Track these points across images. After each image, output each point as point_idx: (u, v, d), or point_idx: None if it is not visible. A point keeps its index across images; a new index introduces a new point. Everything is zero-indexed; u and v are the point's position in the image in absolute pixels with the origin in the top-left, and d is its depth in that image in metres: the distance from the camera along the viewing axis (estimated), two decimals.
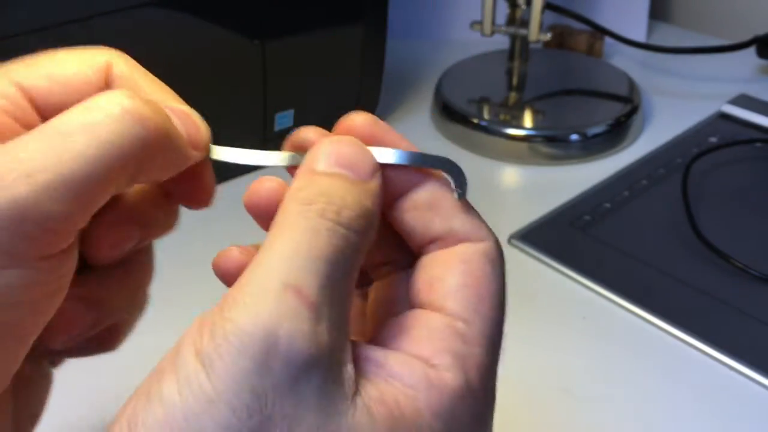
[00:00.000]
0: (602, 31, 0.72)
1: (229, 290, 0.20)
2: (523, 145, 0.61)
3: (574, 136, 0.61)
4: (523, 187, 0.60)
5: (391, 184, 0.23)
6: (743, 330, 0.44)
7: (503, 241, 0.52)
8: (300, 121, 0.59)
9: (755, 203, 0.55)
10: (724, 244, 0.49)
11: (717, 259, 0.48)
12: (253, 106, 0.56)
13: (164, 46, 0.50)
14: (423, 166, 0.24)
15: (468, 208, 0.24)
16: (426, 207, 0.23)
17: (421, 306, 0.23)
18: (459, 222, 0.23)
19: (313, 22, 0.56)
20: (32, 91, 0.25)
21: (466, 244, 0.23)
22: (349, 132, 0.24)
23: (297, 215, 0.21)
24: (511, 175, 0.61)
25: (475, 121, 0.62)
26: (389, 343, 0.22)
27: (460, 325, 0.22)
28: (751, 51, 0.71)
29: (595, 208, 0.54)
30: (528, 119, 0.63)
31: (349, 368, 0.20)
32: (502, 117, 0.63)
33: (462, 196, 0.24)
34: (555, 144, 0.61)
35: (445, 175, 0.24)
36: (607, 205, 0.55)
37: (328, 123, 0.65)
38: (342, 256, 0.21)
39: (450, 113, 0.64)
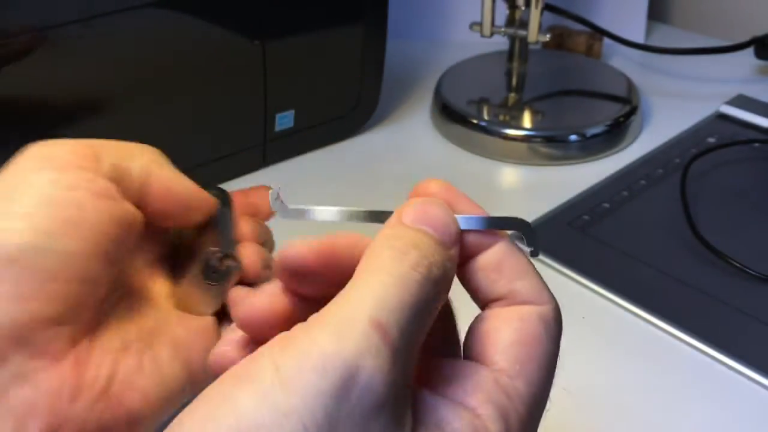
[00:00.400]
0: (601, 32, 0.72)
1: (316, 314, 0.21)
2: (523, 146, 0.61)
3: (573, 137, 0.61)
4: (522, 187, 0.60)
5: (463, 245, 0.24)
6: (741, 329, 0.44)
7: None
8: (300, 121, 0.60)
9: (753, 203, 0.55)
10: (722, 244, 0.49)
11: (715, 258, 0.49)
12: (254, 106, 0.56)
13: (165, 47, 0.50)
14: (497, 228, 0.25)
15: (532, 271, 0.25)
16: (492, 268, 0.25)
17: (471, 357, 0.24)
18: (521, 284, 0.24)
19: (313, 23, 0.57)
20: (147, 196, 0.28)
21: (526, 305, 0.24)
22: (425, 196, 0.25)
23: (391, 260, 0.22)
24: (510, 175, 0.61)
25: (475, 121, 0.63)
26: (439, 389, 0.23)
27: (506, 380, 0.23)
28: (749, 52, 0.71)
29: (594, 208, 0.54)
30: (527, 120, 0.63)
31: (410, 413, 0.21)
32: (501, 117, 0.63)
33: (535, 254, 0.25)
34: (554, 144, 0.61)
35: (516, 233, 0.25)
36: (606, 205, 0.55)
37: (328, 123, 0.65)
38: (424, 309, 0.21)
39: (449, 113, 0.64)
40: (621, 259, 0.50)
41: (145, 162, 0.28)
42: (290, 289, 0.24)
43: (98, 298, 0.26)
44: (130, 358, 0.27)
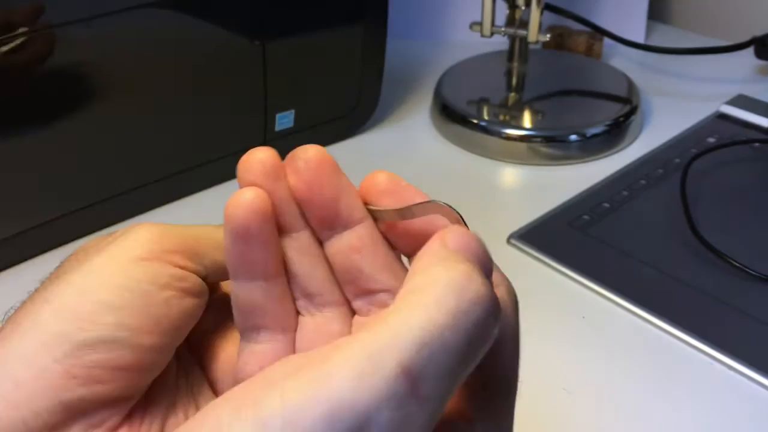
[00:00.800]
0: (601, 32, 0.72)
1: (346, 338, 0.19)
2: (522, 146, 0.61)
3: (573, 137, 0.61)
4: (523, 187, 0.60)
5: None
6: (741, 329, 0.44)
7: (503, 240, 0.52)
8: (300, 121, 0.60)
9: (753, 203, 0.55)
10: (722, 244, 0.49)
11: (715, 258, 0.49)
12: (254, 106, 0.56)
13: (166, 47, 0.50)
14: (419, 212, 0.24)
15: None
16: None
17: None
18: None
19: (313, 23, 0.57)
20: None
21: None
22: (371, 188, 0.25)
23: (446, 288, 0.19)
24: (510, 175, 0.61)
25: (475, 121, 0.63)
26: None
27: None
28: (749, 52, 0.71)
29: (594, 208, 0.54)
30: (527, 120, 0.63)
31: None
32: (501, 117, 0.63)
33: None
34: (554, 144, 0.61)
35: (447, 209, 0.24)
36: (606, 205, 0.55)
37: (328, 123, 0.65)
38: (464, 358, 0.19)
39: (449, 113, 0.64)
40: (621, 259, 0.50)
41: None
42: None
43: (153, 376, 0.26)
44: (179, 411, 0.26)
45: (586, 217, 0.54)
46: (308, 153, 0.24)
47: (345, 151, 0.63)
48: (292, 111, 0.58)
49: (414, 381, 0.17)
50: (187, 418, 0.27)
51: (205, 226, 0.26)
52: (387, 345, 0.17)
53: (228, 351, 0.27)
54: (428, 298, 0.18)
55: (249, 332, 0.25)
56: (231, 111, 0.55)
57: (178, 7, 0.50)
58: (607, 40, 0.74)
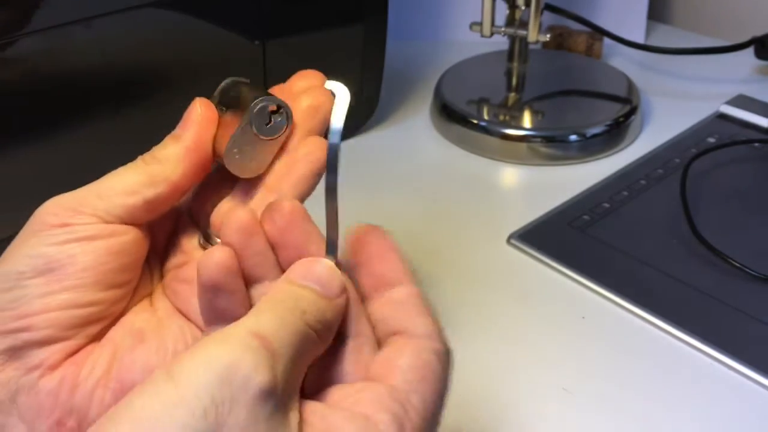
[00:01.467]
0: (601, 32, 0.72)
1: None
2: (522, 146, 0.61)
3: (573, 137, 0.61)
4: (522, 187, 0.60)
5: (373, 280, 0.28)
6: (741, 329, 0.44)
7: (503, 240, 0.52)
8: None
9: (753, 203, 0.55)
10: (722, 244, 0.49)
11: (715, 258, 0.49)
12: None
13: (165, 48, 0.50)
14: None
15: (430, 313, 0.28)
16: (397, 303, 0.28)
17: (371, 379, 0.27)
18: (420, 322, 0.28)
19: (313, 23, 0.57)
20: None
21: (423, 339, 0.27)
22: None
23: (270, 308, 0.25)
24: (510, 175, 0.61)
25: (475, 121, 0.63)
26: (335, 404, 0.26)
27: (401, 393, 0.26)
28: (749, 52, 0.71)
29: (594, 208, 0.54)
30: (527, 120, 0.63)
31: (296, 414, 0.24)
32: (501, 117, 0.63)
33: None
34: (554, 144, 0.61)
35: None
36: (606, 205, 0.55)
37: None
38: (301, 339, 0.25)
39: (449, 113, 0.64)
40: (621, 259, 0.50)
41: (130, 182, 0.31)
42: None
43: (99, 316, 0.30)
44: (129, 339, 0.30)
45: (586, 217, 0.54)
46: (283, 207, 0.28)
47: (345, 151, 0.62)
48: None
49: (263, 338, 0.23)
50: (143, 340, 0.30)
51: (109, 175, 0.31)
52: (237, 325, 0.24)
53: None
54: (257, 311, 0.25)
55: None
56: None
57: (178, 7, 0.50)
58: (606, 40, 0.74)
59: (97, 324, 0.30)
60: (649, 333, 0.45)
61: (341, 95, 0.30)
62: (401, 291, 0.28)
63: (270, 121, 0.31)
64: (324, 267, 0.27)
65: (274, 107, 0.31)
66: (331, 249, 0.28)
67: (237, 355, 0.23)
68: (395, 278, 0.28)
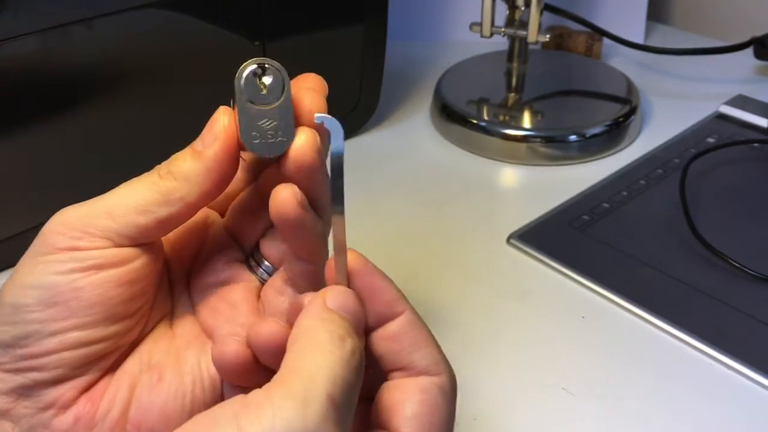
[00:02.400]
0: (601, 33, 0.72)
1: (274, 382, 0.23)
2: (522, 146, 0.61)
3: (573, 137, 0.61)
4: (522, 187, 0.60)
5: (368, 316, 0.27)
6: (741, 329, 0.44)
7: (503, 240, 0.52)
8: (300, 122, 0.59)
9: (753, 203, 0.55)
10: (721, 244, 0.49)
11: (715, 258, 0.49)
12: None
13: (166, 48, 0.50)
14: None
15: (431, 341, 0.28)
16: (393, 339, 0.27)
17: (379, 426, 0.26)
18: (421, 355, 0.27)
19: (313, 24, 0.57)
20: None
21: (424, 377, 0.27)
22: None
23: (332, 344, 0.25)
24: (509, 175, 0.61)
25: (475, 121, 0.63)
26: None
27: None
28: (749, 52, 0.71)
29: (594, 208, 0.55)
30: (527, 120, 0.63)
31: None
32: (501, 118, 0.63)
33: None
34: (554, 144, 0.61)
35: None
36: (606, 205, 0.55)
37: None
38: (357, 387, 0.25)
39: (449, 114, 0.64)
40: (621, 259, 0.50)
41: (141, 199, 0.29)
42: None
43: (111, 349, 0.28)
44: (147, 377, 0.29)
45: (585, 217, 0.54)
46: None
47: (345, 151, 0.62)
48: None
49: (336, 405, 0.23)
50: (161, 380, 0.29)
51: (121, 189, 0.29)
52: (314, 382, 0.23)
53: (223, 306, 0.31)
54: (326, 350, 0.24)
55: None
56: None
57: (178, 7, 0.50)
58: (606, 41, 0.74)
59: (110, 357, 0.29)
60: (649, 333, 0.45)
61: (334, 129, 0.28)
62: (398, 323, 0.28)
63: (263, 87, 0.28)
64: (356, 300, 0.27)
65: (258, 68, 0.28)
66: (341, 268, 0.27)
67: (317, 428, 0.22)
68: (389, 311, 0.28)
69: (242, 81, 0.28)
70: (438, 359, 0.27)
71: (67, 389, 0.27)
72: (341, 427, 0.23)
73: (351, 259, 0.28)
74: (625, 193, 0.56)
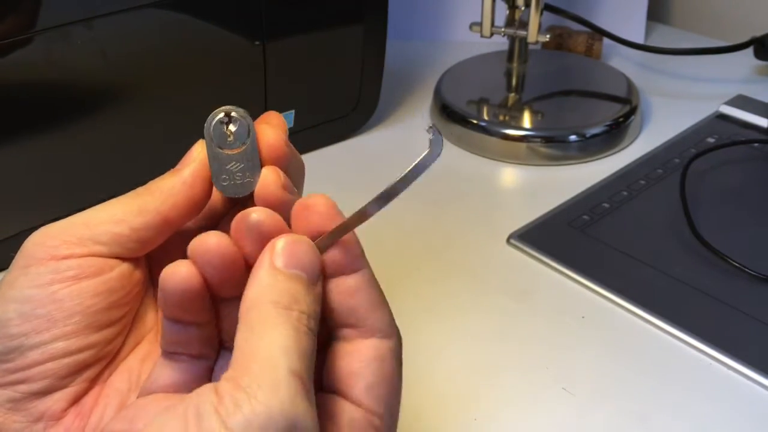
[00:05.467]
0: (601, 33, 0.72)
1: (237, 369, 0.24)
2: (522, 146, 0.61)
3: (573, 137, 0.61)
4: (522, 187, 0.60)
5: (326, 265, 0.27)
6: (741, 329, 0.44)
7: (503, 240, 0.52)
8: (300, 122, 0.60)
9: (753, 203, 0.55)
10: (721, 244, 0.49)
11: (715, 258, 0.49)
12: (254, 107, 0.56)
13: (166, 48, 0.50)
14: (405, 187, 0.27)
15: (385, 304, 0.28)
16: (350, 294, 0.27)
17: (339, 393, 0.27)
18: (376, 316, 0.27)
19: (313, 23, 0.57)
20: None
21: (378, 339, 0.28)
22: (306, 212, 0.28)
23: (280, 317, 0.25)
24: (510, 175, 0.61)
25: (475, 121, 0.63)
26: (322, 426, 0.26)
27: (376, 420, 0.27)
28: (749, 52, 0.71)
29: (594, 208, 0.55)
30: (527, 120, 0.63)
31: None
32: (501, 117, 0.63)
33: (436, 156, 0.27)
34: (554, 144, 0.61)
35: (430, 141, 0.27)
36: (606, 205, 0.55)
37: (328, 123, 0.65)
38: (312, 353, 0.25)
39: (449, 114, 0.64)
40: (621, 259, 0.50)
41: (120, 213, 0.30)
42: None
43: (96, 358, 0.29)
44: (135, 394, 0.29)
45: (585, 217, 0.54)
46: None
47: (345, 151, 0.63)
48: (292, 111, 0.59)
49: (300, 378, 0.24)
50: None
51: (101, 206, 0.30)
52: (276, 362, 0.24)
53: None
54: (275, 324, 0.25)
55: (170, 356, 0.29)
56: None
57: (178, 7, 0.50)
58: (606, 41, 0.74)
59: (95, 366, 0.29)
60: (649, 333, 0.45)
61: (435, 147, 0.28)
62: (355, 279, 0.27)
63: (230, 134, 0.30)
64: (306, 247, 0.27)
65: (225, 116, 0.30)
66: (336, 233, 0.27)
67: (293, 411, 0.23)
68: (349, 265, 0.27)
69: (210, 129, 0.30)
70: (390, 321, 0.28)
71: (55, 401, 0.28)
72: (309, 396, 0.24)
73: (321, 202, 0.28)
74: (625, 193, 0.56)
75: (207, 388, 0.23)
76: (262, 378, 0.23)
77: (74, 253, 0.28)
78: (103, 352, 0.29)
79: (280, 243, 0.26)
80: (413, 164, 0.27)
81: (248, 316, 0.25)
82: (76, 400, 0.29)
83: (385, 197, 0.27)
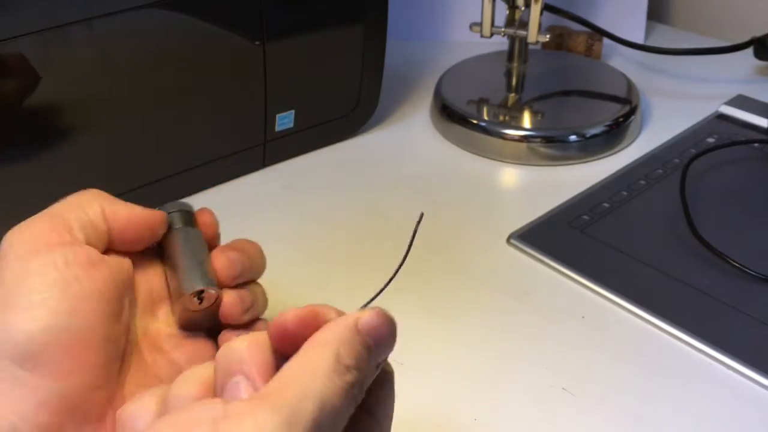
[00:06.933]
0: (601, 33, 0.72)
1: (262, 395, 0.23)
2: (522, 146, 0.61)
3: (573, 137, 0.61)
4: (522, 187, 0.60)
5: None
6: (741, 329, 0.44)
7: (503, 240, 0.52)
8: (300, 122, 0.60)
9: (753, 203, 0.55)
10: (721, 244, 0.49)
11: (715, 258, 0.49)
12: (254, 106, 0.56)
13: (166, 48, 0.50)
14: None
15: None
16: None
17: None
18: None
19: (313, 23, 0.57)
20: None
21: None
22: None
23: (333, 371, 0.24)
24: (510, 175, 0.61)
25: (475, 121, 0.63)
26: None
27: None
28: (749, 52, 0.71)
29: (594, 208, 0.55)
30: (527, 120, 0.63)
31: None
32: (501, 118, 0.63)
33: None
34: (554, 144, 0.61)
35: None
36: (606, 205, 0.55)
37: (328, 123, 0.65)
38: (346, 415, 0.25)
39: (449, 114, 0.64)
40: (621, 259, 0.50)
41: (97, 207, 0.32)
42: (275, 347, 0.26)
43: (119, 355, 0.30)
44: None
45: (585, 217, 0.54)
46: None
47: (345, 151, 0.63)
48: (292, 111, 0.58)
49: (320, 429, 0.23)
50: None
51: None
52: (302, 403, 0.23)
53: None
54: (324, 372, 0.24)
55: None
56: (231, 111, 0.55)
57: (178, 7, 0.50)
58: (606, 41, 0.74)
59: (117, 369, 0.30)
60: (649, 333, 0.45)
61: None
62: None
63: (200, 299, 0.34)
64: (391, 328, 0.27)
65: (198, 291, 0.34)
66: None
67: None
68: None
69: (186, 299, 0.33)
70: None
71: (99, 398, 0.29)
72: None
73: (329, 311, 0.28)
74: (625, 193, 0.56)
75: (215, 401, 0.23)
76: (281, 410, 0.22)
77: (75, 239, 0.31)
78: (122, 348, 0.31)
79: (370, 311, 0.26)
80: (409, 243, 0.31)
81: (307, 352, 0.25)
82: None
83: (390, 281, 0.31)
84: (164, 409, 0.25)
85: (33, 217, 0.30)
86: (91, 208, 0.32)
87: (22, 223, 0.30)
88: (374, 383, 0.27)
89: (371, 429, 0.27)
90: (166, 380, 0.30)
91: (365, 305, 0.29)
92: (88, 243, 0.31)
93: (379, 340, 0.26)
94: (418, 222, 0.31)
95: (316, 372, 0.24)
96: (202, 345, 0.34)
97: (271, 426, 0.22)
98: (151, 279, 0.34)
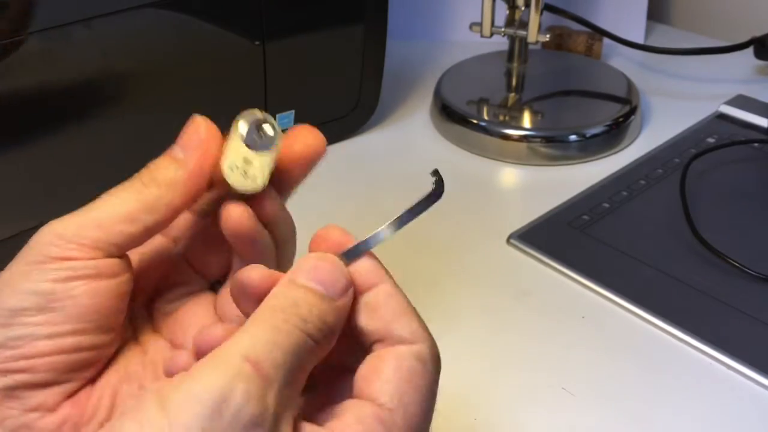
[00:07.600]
0: (601, 33, 0.72)
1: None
2: (522, 146, 0.61)
3: (573, 137, 0.61)
4: (522, 187, 0.60)
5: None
6: (741, 329, 0.44)
7: (503, 240, 0.52)
8: (300, 121, 0.59)
9: (753, 203, 0.55)
10: (721, 244, 0.49)
11: (715, 258, 0.49)
12: (254, 106, 0.56)
13: (166, 48, 0.50)
14: (411, 220, 0.29)
15: (410, 311, 0.28)
16: (372, 309, 0.27)
17: (357, 397, 0.26)
18: (399, 326, 0.27)
19: (313, 23, 0.57)
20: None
21: (401, 346, 0.27)
22: (323, 242, 0.28)
23: (266, 314, 0.25)
24: (510, 175, 0.61)
25: (475, 121, 0.63)
26: (323, 423, 0.26)
27: (385, 413, 0.25)
28: (749, 52, 0.71)
29: (594, 208, 0.55)
30: (527, 120, 0.63)
31: None
32: (501, 117, 0.63)
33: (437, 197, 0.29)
34: (554, 144, 0.61)
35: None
36: (606, 205, 0.55)
37: (328, 123, 0.65)
38: (298, 352, 0.25)
39: (449, 114, 0.64)
40: (621, 259, 0.50)
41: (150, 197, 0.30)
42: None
43: (97, 358, 0.29)
44: (127, 387, 0.30)
45: (585, 217, 0.54)
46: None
47: (345, 151, 0.63)
48: (292, 111, 0.59)
49: (256, 364, 0.23)
50: (143, 387, 0.30)
51: (107, 199, 0.30)
52: (230, 348, 0.24)
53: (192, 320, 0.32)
54: (253, 322, 0.25)
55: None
56: (231, 111, 0.55)
57: (178, 7, 0.50)
58: (606, 41, 0.74)
59: (95, 366, 0.29)
60: (649, 333, 0.45)
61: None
62: (375, 294, 0.27)
63: (260, 136, 0.31)
64: (329, 264, 0.27)
65: (262, 119, 0.31)
66: (352, 253, 0.28)
67: (229, 385, 0.23)
68: (369, 281, 0.28)
69: (246, 126, 0.31)
70: (415, 328, 0.27)
71: (51, 394, 0.28)
72: (260, 382, 0.23)
73: (333, 233, 0.28)
74: (625, 193, 0.56)
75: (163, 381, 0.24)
76: (211, 361, 0.23)
77: (90, 255, 0.28)
78: (104, 353, 0.30)
79: (303, 259, 0.27)
80: (419, 199, 0.29)
81: (248, 324, 0.25)
82: (70, 395, 0.29)
83: (396, 224, 0.29)
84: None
85: (68, 216, 0.30)
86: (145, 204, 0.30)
87: (57, 223, 0.29)
88: (379, 367, 0.26)
89: (372, 415, 0.26)
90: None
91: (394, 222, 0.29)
92: (117, 250, 0.30)
93: (318, 278, 0.26)
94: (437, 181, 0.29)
95: (249, 326, 0.25)
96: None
97: (206, 371, 0.23)
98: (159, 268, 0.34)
